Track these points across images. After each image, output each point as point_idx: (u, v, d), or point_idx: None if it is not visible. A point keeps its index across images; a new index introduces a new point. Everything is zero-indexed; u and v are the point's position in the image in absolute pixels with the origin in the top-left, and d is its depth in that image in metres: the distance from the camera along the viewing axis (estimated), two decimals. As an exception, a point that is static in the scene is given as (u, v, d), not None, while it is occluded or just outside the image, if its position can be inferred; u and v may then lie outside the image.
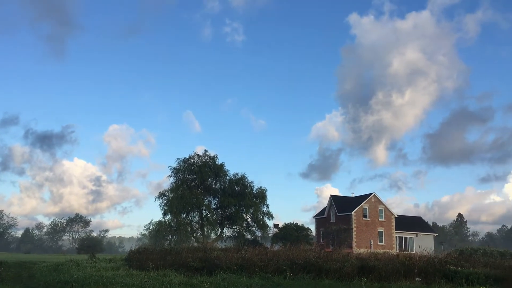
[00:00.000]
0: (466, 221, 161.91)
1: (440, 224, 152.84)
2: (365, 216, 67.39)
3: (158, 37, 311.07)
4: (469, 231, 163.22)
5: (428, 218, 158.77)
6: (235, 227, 66.82)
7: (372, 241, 66.25)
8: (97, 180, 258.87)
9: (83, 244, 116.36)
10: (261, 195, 66.26)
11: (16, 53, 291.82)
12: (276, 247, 56.18)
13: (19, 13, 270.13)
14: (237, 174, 67.21)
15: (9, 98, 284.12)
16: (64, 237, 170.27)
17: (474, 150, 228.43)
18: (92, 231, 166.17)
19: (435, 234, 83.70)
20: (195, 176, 65.56)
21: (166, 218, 62.92)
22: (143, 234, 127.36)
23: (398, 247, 69.06)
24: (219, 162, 67.14)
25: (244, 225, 66.64)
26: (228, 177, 66.90)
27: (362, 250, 56.67)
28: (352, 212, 66.37)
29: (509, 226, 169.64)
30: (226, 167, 67.23)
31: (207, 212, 65.00)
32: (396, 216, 70.18)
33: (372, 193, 69.40)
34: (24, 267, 40.79)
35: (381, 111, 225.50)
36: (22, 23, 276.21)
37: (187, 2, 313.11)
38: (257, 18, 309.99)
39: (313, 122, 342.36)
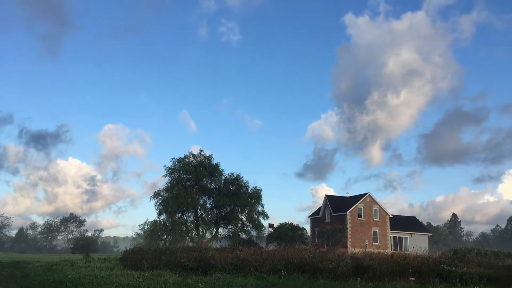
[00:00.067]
0: (460, 221, 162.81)
1: (434, 224, 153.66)
2: (360, 216, 67.56)
3: (153, 36, 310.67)
4: (463, 231, 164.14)
5: (423, 218, 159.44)
6: (230, 226, 66.86)
7: (366, 241, 66.43)
8: (91, 180, 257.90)
9: (77, 243, 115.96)
10: (256, 195, 66.33)
11: (11, 52, 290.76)
12: (271, 247, 56.26)
13: (14, 12, 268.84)
14: (232, 174, 67.40)
15: (3, 97, 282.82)
16: (59, 237, 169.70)
17: (469, 150, 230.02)
18: (86, 230, 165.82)
19: (430, 234, 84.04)
20: (190, 176, 65.52)
21: (161, 217, 62.93)
22: (138, 234, 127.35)
23: (392, 247, 69.29)
24: (214, 162, 67.29)
25: (239, 225, 66.69)
26: (223, 177, 66.98)
27: (356, 250, 56.80)
28: (347, 212, 66.53)
29: (502, 226, 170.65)
30: (222, 167, 67.42)
31: (202, 212, 64.98)
32: (391, 216, 70.41)
33: (367, 193, 69.59)
34: (18, 267, 40.60)
35: (376, 111, 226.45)
36: (17, 22, 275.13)
37: (183, 2, 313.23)
38: (252, 18, 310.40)
39: (308, 122, 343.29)
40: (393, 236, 70.86)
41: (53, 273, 31.32)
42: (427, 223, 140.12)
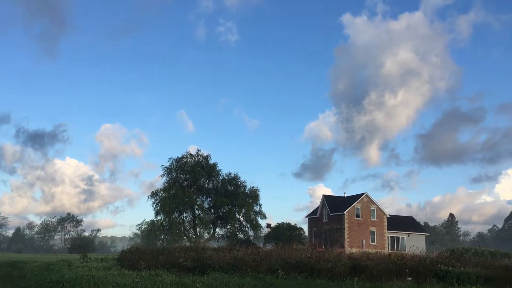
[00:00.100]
0: (457, 221, 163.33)
1: (431, 224, 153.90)
2: (357, 216, 67.62)
3: (151, 36, 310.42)
4: (460, 231, 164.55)
5: (420, 218, 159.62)
6: (228, 226, 66.82)
7: (364, 241, 66.50)
8: (89, 180, 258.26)
9: (74, 243, 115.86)
10: (254, 195, 66.31)
11: (9, 52, 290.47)
12: (269, 246, 56.21)
13: (12, 12, 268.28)
14: (230, 173, 67.36)
15: (0, 96, 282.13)
16: (56, 237, 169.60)
17: (466, 150, 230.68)
18: (83, 230, 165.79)
19: (427, 234, 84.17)
20: (187, 176, 65.47)
21: (159, 217, 62.84)
22: (135, 234, 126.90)
23: (390, 246, 69.37)
24: (212, 161, 67.26)
25: (237, 225, 66.65)
26: (220, 177, 66.94)
27: (354, 250, 56.86)
28: (345, 212, 66.58)
29: (499, 226, 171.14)
30: (219, 167, 67.38)
31: (199, 212, 64.94)
32: (388, 216, 70.50)
33: (365, 193, 69.66)
34: (15, 267, 40.52)
35: (374, 111, 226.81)
36: (14, 22, 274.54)
37: (181, 2, 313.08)
38: (250, 17, 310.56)
39: (306, 122, 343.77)
40: (391, 236, 70.95)
41: (50, 273, 31.25)
42: (425, 223, 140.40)
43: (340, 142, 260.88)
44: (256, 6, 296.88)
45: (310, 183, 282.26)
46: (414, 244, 63.26)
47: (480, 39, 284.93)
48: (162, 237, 62.88)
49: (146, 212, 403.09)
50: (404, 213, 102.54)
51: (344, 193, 75.71)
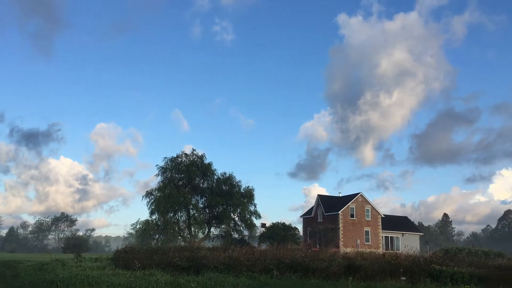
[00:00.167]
0: (451, 221, 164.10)
1: (426, 224, 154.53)
2: (352, 215, 67.79)
3: (146, 35, 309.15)
4: (454, 230, 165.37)
5: (414, 218, 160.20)
6: (223, 226, 66.79)
7: (358, 241, 66.66)
8: (83, 179, 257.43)
9: (68, 243, 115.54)
10: (249, 195, 66.34)
11: (3, 51, 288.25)
12: (263, 246, 56.28)
13: (5, 10, 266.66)
14: (224, 173, 67.34)
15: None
16: (50, 236, 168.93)
17: (460, 150, 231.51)
18: (78, 230, 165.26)
19: (421, 233, 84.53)
20: (182, 175, 65.38)
21: (153, 217, 62.71)
22: (130, 233, 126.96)
23: (384, 246, 69.60)
24: (206, 161, 67.20)
25: (232, 225, 66.64)
26: (215, 177, 66.89)
27: (348, 250, 57.01)
28: (339, 212, 66.73)
29: (493, 226, 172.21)
30: (214, 167, 67.34)
31: (194, 211, 64.89)
32: (383, 216, 70.72)
33: (359, 193, 69.84)
34: (8, 266, 40.35)
35: (369, 111, 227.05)
36: (8, 20, 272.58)
37: (177, 1, 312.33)
38: (246, 17, 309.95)
39: (301, 121, 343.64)
40: (385, 236, 71.19)
41: (44, 272, 31.14)
42: (419, 223, 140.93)
43: (335, 142, 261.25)
44: (252, 5, 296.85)
45: (305, 183, 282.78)
46: (408, 244, 63.56)
47: (475, 40, 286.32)
48: (157, 236, 62.81)
49: (140, 211, 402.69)
50: (399, 213, 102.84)
51: (339, 193, 75.99)
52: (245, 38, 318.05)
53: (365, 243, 67.32)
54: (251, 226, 65.93)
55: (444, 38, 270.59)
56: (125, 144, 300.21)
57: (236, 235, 65.90)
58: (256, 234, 68.21)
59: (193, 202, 65.33)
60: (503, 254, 58.59)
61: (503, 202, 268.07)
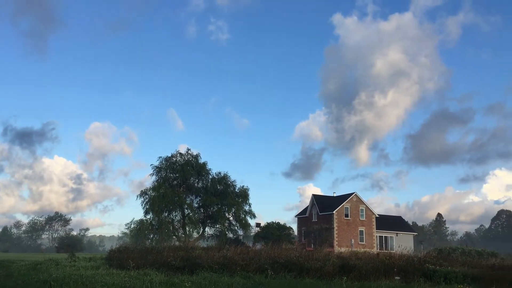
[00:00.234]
0: (445, 221, 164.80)
1: (419, 224, 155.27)
2: (346, 215, 67.92)
3: (142, 34, 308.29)
4: (448, 230, 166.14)
5: (408, 218, 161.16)
6: (217, 226, 66.77)
7: (353, 240, 66.81)
8: (77, 178, 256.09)
9: (62, 243, 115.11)
10: (244, 194, 66.34)
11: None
12: (258, 246, 56.29)
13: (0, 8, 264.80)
14: (219, 173, 67.31)
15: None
16: (43, 236, 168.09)
17: (454, 151, 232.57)
18: (72, 229, 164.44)
19: (415, 233, 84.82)
20: (177, 175, 65.30)
21: (148, 216, 62.60)
22: (124, 233, 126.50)
23: (378, 246, 69.79)
24: (201, 160, 67.19)
25: (226, 224, 66.64)
26: (210, 176, 66.86)
27: (343, 249, 57.12)
28: (334, 212, 66.84)
29: (486, 226, 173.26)
30: (209, 166, 67.33)
31: (189, 211, 64.80)
32: (377, 216, 70.91)
33: (354, 192, 69.98)
34: (1, 266, 40.15)
35: (364, 111, 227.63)
36: (2, 18, 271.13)
37: (172, 0, 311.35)
38: (241, 17, 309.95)
39: (296, 121, 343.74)
40: (379, 236, 71.37)
41: (38, 272, 31.02)
42: (413, 222, 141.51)
43: (330, 142, 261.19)
44: (247, 5, 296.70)
45: (300, 182, 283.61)
46: (402, 243, 63.81)
47: (469, 41, 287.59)
48: (151, 236, 62.66)
49: (135, 211, 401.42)
50: (393, 212, 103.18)
51: (334, 192, 76.04)
52: (241, 38, 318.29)
53: (360, 242, 67.48)
54: (245, 226, 65.95)
55: (438, 39, 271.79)
56: (120, 144, 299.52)
57: (230, 235, 65.92)
58: (251, 234, 68.24)
59: (188, 201, 65.29)
60: (496, 254, 58.93)
61: (497, 202, 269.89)
